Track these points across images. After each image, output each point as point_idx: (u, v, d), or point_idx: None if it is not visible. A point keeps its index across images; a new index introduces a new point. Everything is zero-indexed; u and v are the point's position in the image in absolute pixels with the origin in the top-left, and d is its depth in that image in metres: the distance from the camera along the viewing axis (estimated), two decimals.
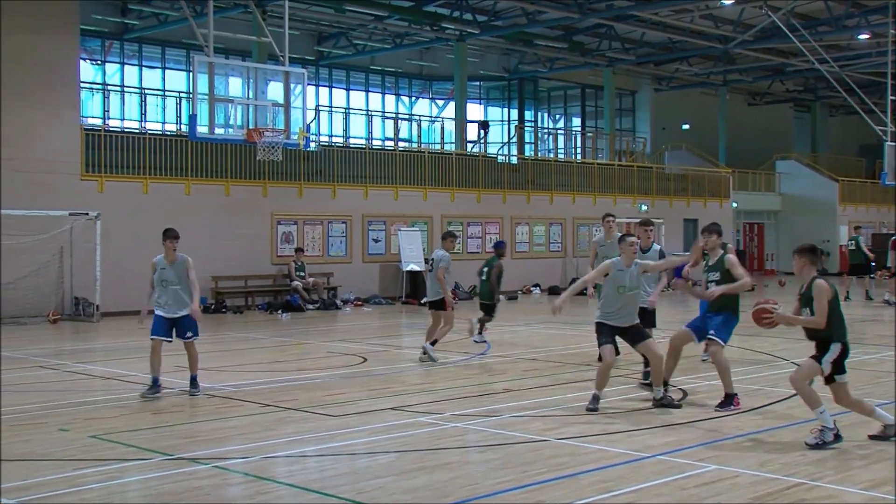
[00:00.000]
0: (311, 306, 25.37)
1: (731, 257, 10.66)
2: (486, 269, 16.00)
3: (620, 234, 11.25)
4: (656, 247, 12.70)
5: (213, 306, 24.38)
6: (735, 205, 41.63)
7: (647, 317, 12.04)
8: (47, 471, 7.93)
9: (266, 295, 25.90)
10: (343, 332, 20.11)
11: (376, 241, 28.60)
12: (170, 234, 11.86)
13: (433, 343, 14.61)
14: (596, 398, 10.32)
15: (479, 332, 16.14)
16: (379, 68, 39.37)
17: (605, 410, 10.24)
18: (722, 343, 10.40)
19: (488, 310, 16.02)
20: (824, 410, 8.50)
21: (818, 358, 8.57)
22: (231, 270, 25.31)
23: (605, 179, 35.63)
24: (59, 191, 22.52)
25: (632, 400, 11.03)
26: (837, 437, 8.48)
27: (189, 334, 11.70)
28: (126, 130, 27.15)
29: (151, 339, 11.58)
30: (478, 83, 42.26)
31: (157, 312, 11.69)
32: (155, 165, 24.52)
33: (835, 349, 8.53)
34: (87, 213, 22.07)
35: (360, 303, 26.78)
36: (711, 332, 10.46)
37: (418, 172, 29.92)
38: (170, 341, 11.67)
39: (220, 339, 19.15)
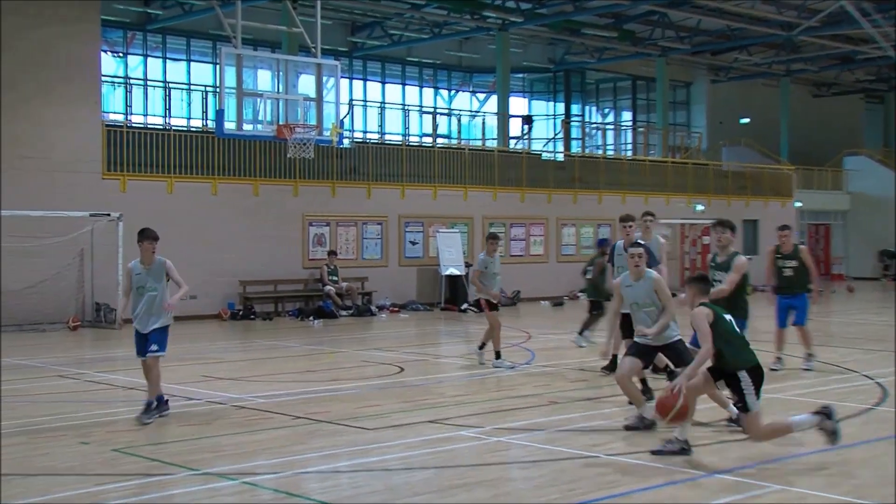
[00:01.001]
0: (344, 313, 25.45)
1: (741, 260, 10.66)
2: (589, 268, 17.36)
3: (632, 244, 11.06)
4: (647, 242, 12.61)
5: (241, 312, 24.54)
6: (799, 204, 41.22)
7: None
8: (67, 486, 8.01)
9: (297, 300, 26.02)
10: (378, 339, 20.15)
11: (413, 243, 28.63)
12: (148, 235, 11.36)
13: (481, 347, 15.18)
14: (640, 417, 9.97)
15: (581, 333, 17.22)
16: (416, 60, 39.44)
17: (659, 425, 10.16)
18: None
19: (595, 307, 17.06)
20: (803, 420, 8.53)
21: (742, 405, 8.41)
22: (260, 275, 25.46)
23: (657, 178, 35.43)
24: (80, 191, 22.77)
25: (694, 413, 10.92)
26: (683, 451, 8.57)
27: (154, 348, 10.99)
28: (149, 127, 27.42)
29: (140, 359, 11.11)
30: (521, 75, 42.22)
31: (135, 326, 11.16)
32: (180, 164, 24.73)
33: (745, 379, 8.32)
34: (108, 214, 22.29)
35: (396, 309, 26.82)
36: None
37: (458, 170, 29.93)
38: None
39: (249, 347, 19.27)
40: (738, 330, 8.64)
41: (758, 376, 8.40)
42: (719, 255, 10.66)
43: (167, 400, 11.14)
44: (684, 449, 8.69)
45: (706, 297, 8.69)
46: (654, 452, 8.75)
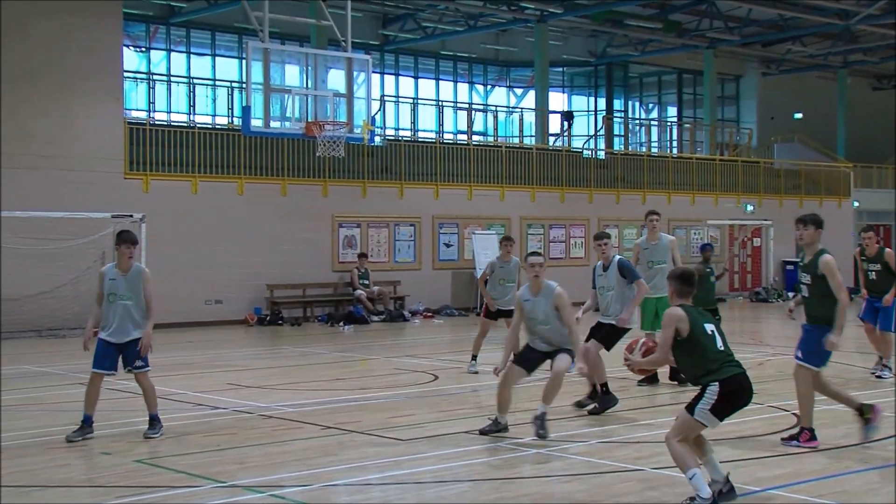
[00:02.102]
0: (375, 318, 25.51)
1: (829, 259, 9.90)
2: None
3: (529, 252, 11.56)
4: (616, 259, 12.40)
5: (268, 318, 24.66)
6: (856, 204, 40.81)
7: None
8: (88, 498, 8.09)
9: (326, 305, 26.11)
10: (411, 346, 20.18)
11: (448, 245, 28.65)
12: (125, 239, 10.76)
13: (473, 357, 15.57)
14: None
15: None
16: (450, 54, 39.47)
17: (708, 436, 10.09)
18: (804, 365, 9.84)
19: (712, 313, 17.22)
20: (696, 474, 7.47)
21: (691, 406, 7.60)
22: (288, 278, 25.57)
23: (704, 176, 35.24)
24: (101, 191, 22.97)
25: (740, 425, 10.87)
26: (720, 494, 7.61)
27: (139, 363, 10.56)
28: (173, 124, 27.62)
29: (93, 371, 10.48)
30: (561, 69, 42.14)
31: (101, 336, 10.55)
32: (205, 163, 24.90)
33: (711, 391, 7.51)
34: (130, 215, 22.46)
35: (430, 314, 26.85)
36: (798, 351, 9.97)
37: (495, 169, 29.92)
38: (114, 373, 10.62)
39: (277, 353, 19.37)
40: (717, 341, 7.66)
41: (732, 393, 7.56)
42: (806, 256, 10.20)
43: (93, 424, 10.43)
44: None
45: (686, 298, 7.81)
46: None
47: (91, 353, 10.61)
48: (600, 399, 11.70)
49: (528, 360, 10.51)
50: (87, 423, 10.36)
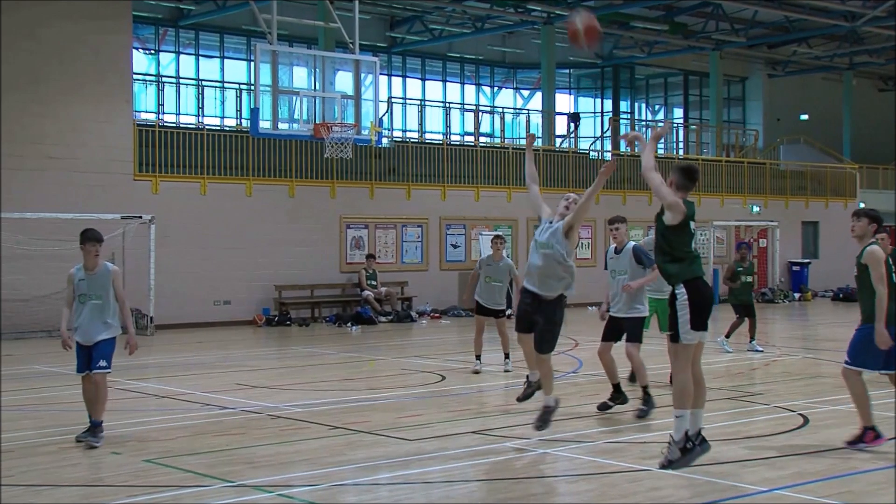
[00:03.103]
0: (383, 318, 25.52)
1: (873, 249, 9.46)
2: (738, 272, 18.10)
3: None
4: (630, 244, 12.81)
5: (276, 318, 24.68)
6: (862, 205, 40.73)
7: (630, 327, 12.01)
8: (98, 498, 8.09)
9: (334, 306, 26.12)
10: (419, 347, 20.18)
11: (455, 246, 28.65)
12: (90, 237, 10.43)
13: (506, 356, 15.72)
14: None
15: (727, 336, 17.74)
16: (457, 55, 39.47)
17: (716, 436, 10.08)
18: (850, 366, 9.59)
19: (737, 311, 17.88)
20: (683, 416, 7.90)
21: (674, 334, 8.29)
22: (296, 279, 25.59)
23: (711, 177, 35.19)
24: (110, 192, 23.02)
25: (747, 426, 10.86)
26: (686, 450, 8.01)
27: (103, 363, 10.18)
28: (182, 126, 27.67)
29: (80, 375, 10.36)
30: (567, 71, 42.11)
31: (76, 339, 10.30)
32: (213, 164, 24.93)
33: (681, 304, 8.15)
34: (140, 217, 22.51)
35: (437, 315, 26.85)
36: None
37: (502, 170, 29.92)
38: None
39: (285, 354, 19.38)
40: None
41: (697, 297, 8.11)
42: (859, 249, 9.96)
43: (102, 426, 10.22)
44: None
45: (684, 193, 8.88)
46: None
47: (73, 351, 10.36)
48: (644, 400, 11.52)
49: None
50: (97, 425, 10.15)
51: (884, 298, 9.26)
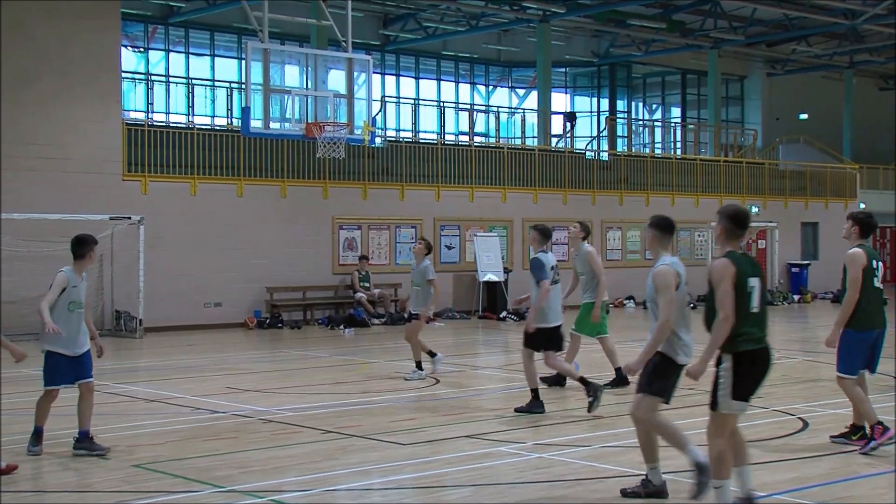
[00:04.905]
0: (376, 321, 25.51)
1: (852, 252, 9.62)
2: None
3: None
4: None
5: (268, 320, 24.67)
6: (863, 206, 40.74)
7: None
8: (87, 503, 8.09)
9: (327, 308, 26.12)
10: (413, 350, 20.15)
11: (450, 247, 28.66)
12: (96, 241, 10.18)
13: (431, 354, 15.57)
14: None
15: None
16: (452, 54, 39.49)
17: None
18: (840, 374, 9.68)
19: None
20: (722, 486, 7.25)
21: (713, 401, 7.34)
22: (288, 281, 25.58)
23: (709, 178, 35.24)
24: (99, 193, 22.97)
25: (747, 429, 10.87)
26: None
27: (91, 374, 9.93)
28: (172, 125, 27.63)
29: (49, 389, 9.92)
30: (563, 69, 42.14)
31: (57, 349, 9.83)
32: (204, 164, 24.91)
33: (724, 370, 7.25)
34: (129, 218, 22.49)
35: (431, 317, 26.85)
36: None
37: (497, 171, 29.93)
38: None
39: (276, 357, 19.38)
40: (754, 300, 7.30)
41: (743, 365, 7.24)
42: None
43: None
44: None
45: (735, 242, 7.45)
46: None
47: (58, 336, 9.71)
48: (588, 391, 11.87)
49: None
50: (40, 434, 9.97)
51: (850, 301, 9.49)
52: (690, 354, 7.82)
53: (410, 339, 15.31)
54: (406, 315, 15.90)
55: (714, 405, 7.27)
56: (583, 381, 11.89)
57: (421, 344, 15.29)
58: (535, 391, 12.09)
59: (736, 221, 7.42)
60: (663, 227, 8.06)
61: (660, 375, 7.78)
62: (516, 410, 12.01)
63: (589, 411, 11.58)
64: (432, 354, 15.44)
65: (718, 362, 7.30)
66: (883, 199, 42.61)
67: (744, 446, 7.54)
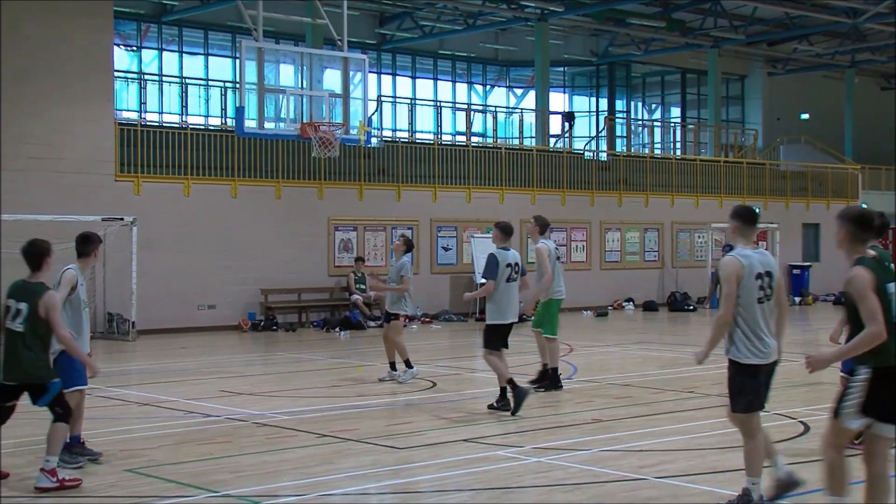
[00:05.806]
0: (372, 323, 25.49)
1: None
2: None
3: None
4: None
5: (262, 323, 24.66)
6: (864, 206, 40.78)
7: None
8: None
9: (322, 310, 26.11)
10: (409, 352, 20.13)
11: (446, 249, 28.66)
12: (98, 239, 10.12)
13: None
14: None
15: None
16: (449, 53, 39.49)
17: (714, 445, 10.13)
18: (844, 375, 9.59)
19: None
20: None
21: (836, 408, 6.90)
22: (283, 283, 25.57)
23: (709, 178, 35.26)
24: (91, 193, 22.95)
25: None
26: None
27: (87, 380, 9.71)
28: (165, 125, 27.61)
29: (78, 389, 9.55)
30: (562, 69, 42.16)
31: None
32: (197, 164, 24.90)
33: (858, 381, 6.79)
34: (121, 219, 22.46)
35: (427, 319, 26.85)
36: None
37: (494, 171, 29.93)
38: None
39: (271, 360, 19.37)
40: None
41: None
42: None
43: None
44: None
45: (862, 246, 6.92)
46: None
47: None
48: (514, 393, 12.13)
49: None
50: (78, 440, 9.73)
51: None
52: (767, 356, 7.90)
53: (392, 340, 15.15)
54: (384, 315, 15.85)
55: (836, 413, 6.91)
56: (511, 382, 12.16)
57: (400, 346, 15.10)
58: (503, 389, 12.29)
59: (862, 224, 6.89)
60: (745, 218, 7.91)
61: (738, 390, 7.69)
62: (489, 408, 12.36)
63: (512, 413, 11.98)
64: (408, 365, 15.16)
65: (852, 372, 6.86)
66: (885, 200, 42.56)
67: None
